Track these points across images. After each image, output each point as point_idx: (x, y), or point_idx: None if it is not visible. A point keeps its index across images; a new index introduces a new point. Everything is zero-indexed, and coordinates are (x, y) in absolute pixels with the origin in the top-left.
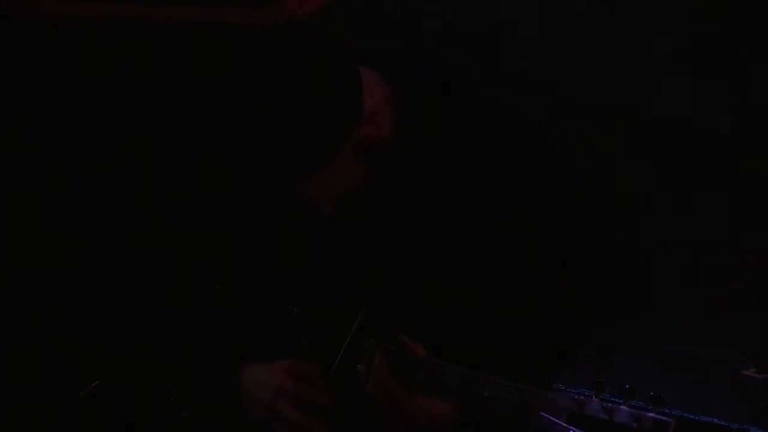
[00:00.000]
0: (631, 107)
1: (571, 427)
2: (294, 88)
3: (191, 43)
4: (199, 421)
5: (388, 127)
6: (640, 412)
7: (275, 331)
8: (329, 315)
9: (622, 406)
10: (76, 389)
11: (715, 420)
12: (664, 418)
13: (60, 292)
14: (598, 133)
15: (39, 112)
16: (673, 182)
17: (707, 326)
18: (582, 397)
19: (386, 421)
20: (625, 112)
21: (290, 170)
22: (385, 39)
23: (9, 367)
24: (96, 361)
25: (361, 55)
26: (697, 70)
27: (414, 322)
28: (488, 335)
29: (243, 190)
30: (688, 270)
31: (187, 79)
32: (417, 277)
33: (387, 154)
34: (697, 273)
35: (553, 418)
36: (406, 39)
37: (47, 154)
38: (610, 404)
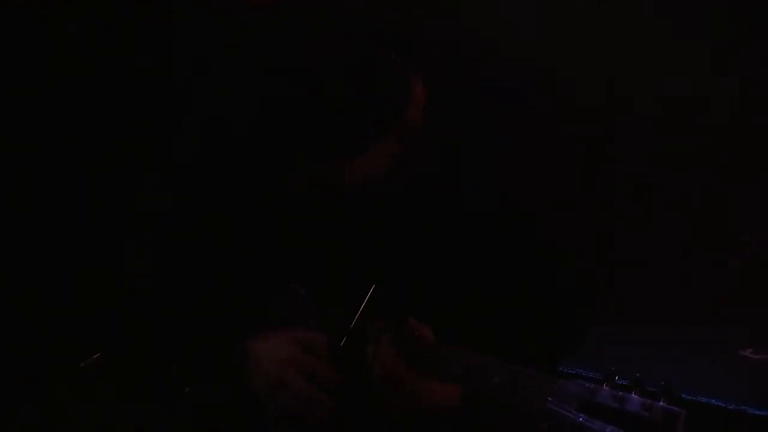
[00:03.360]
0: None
1: (582, 415)
2: (352, 70)
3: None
4: (202, 395)
5: (422, 110)
6: (651, 401)
7: (281, 310)
8: (338, 295)
9: (633, 395)
10: (77, 361)
11: (713, 401)
12: (675, 408)
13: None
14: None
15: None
16: (671, 163)
17: (704, 307)
18: (593, 385)
19: (392, 402)
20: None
21: (342, 150)
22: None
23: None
24: (103, 331)
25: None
26: (695, 62)
27: (424, 305)
28: (498, 321)
29: (264, 170)
30: (685, 250)
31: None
32: (429, 260)
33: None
34: (693, 253)
35: (562, 406)
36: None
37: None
38: (621, 393)
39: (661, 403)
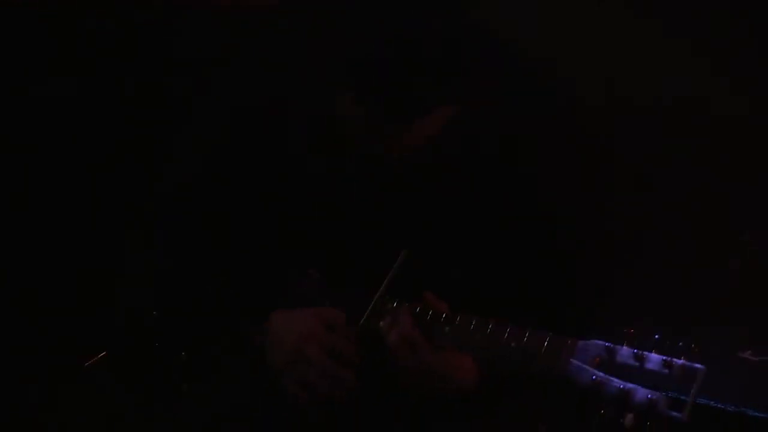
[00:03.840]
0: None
1: (602, 373)
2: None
3: None
4: (201, 393)
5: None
6: (671, 359)
7: (296, 292)
8: (356, 276)
9: (653, 354)
10: (82, 360)
11: (712, 402)
12: (695, 365)
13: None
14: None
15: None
16: (671, 163)
17: (704, 307)
18: (612, 345)
19: (408, 375)
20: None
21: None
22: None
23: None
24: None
25: None
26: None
27: (440, 283)
28: (514, 298)
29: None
30: (684, 250)
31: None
32: (450, 239)
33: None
34: (693, 253)
35: (582, 366)
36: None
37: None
38: (640, 351)
39: (681, 360)
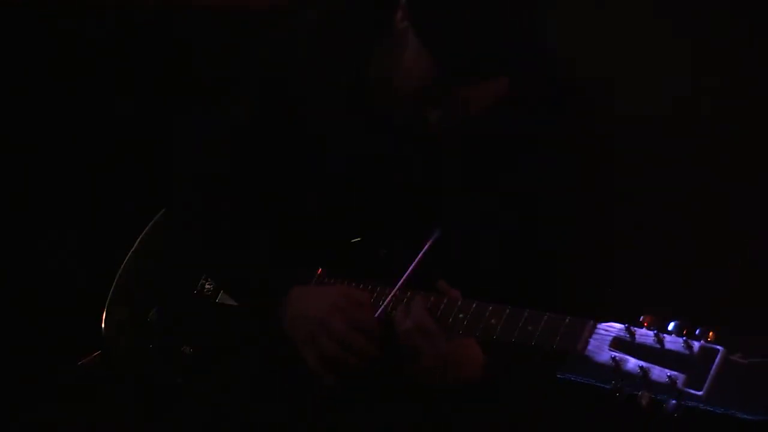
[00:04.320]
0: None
1: (621, 354)
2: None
3: None
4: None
5: None
6: (690, 340)
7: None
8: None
9: (673, 335)
10: (76, 359)
11: (701, 405)
12: (714, 345)
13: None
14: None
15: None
16: (671, 163)
17: (696, 310)
18: (631, 327)
19: (422, 363)
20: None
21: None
22: None
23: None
24: None
25: None
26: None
27: (453, 271)
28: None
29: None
30: (677, 251)
31: None
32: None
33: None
34: (686, 254)
35: (602, 343)
36: None
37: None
38: (659, 332)
39: (700, 342)
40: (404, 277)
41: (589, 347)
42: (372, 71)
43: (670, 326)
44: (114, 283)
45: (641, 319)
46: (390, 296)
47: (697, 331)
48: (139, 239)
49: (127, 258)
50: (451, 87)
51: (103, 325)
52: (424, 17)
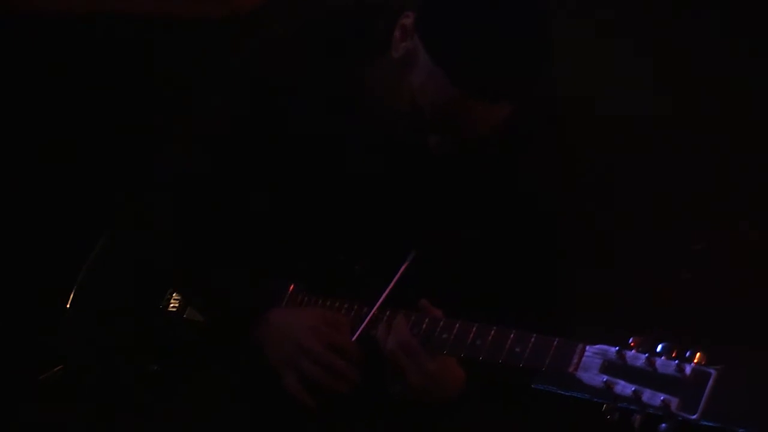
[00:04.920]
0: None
1: (612, 377)
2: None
3: None
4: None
5: None
6: (682, 363)
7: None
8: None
9: (664, 358)
10: (38, 373)
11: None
12: (707, 368)
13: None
14: None
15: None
16: (622, 173)
17: (653, 317)
18: (621, 349)
19: (406, 382)
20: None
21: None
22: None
23: None
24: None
25: None
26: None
27: (435, 290)
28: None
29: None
30: (636, 259)
31: None
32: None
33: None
34: (645, 263)
35: (593, 368)
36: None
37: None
38: (651, 356)
39: (692, 364)
40: (381, 298)
41: (580, 370)
42: (367, 90)
43: (659, 348)
44: (73, 293)
45: (630, 341)
46: (368, 318)
47: (687, 353)
48: (99, 246)
49: (86, 264)
50: (460, 109)
51: (62, 337)
52: (436, 34)
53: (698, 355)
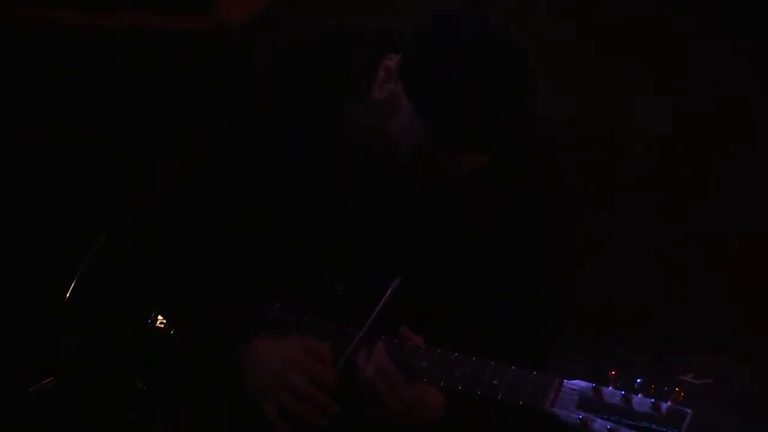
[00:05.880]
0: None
1: (589, 414)
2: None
3: None
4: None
5: None
6: (658, 401)
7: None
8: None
9: (640, 396)
10: (28, 385)
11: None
12: (682, 408)
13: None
14: None
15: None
16: (607, 187)
17: (645, 332)
18: (597, 386)
19: (385, 409)
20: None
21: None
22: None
23: None
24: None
25: None
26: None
27: (415, 317)
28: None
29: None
30: (626, 276)
31: None
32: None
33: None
34: (635, 278)
35: (569, 404)
36: None
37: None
38: (626, 393)
39: (668, 403)
40: (365, 328)
41: (556, 406)
42: (348, 126)
43: (637, 383)
44: (63, 305)
45: (608, 375)
46: (350, 348)
47: (665, 389)
48: (86, 262)
49: (75, 281)
50: (440, 155)
51: (52, 346)
52: (419, 87)
53: (675, 391)
